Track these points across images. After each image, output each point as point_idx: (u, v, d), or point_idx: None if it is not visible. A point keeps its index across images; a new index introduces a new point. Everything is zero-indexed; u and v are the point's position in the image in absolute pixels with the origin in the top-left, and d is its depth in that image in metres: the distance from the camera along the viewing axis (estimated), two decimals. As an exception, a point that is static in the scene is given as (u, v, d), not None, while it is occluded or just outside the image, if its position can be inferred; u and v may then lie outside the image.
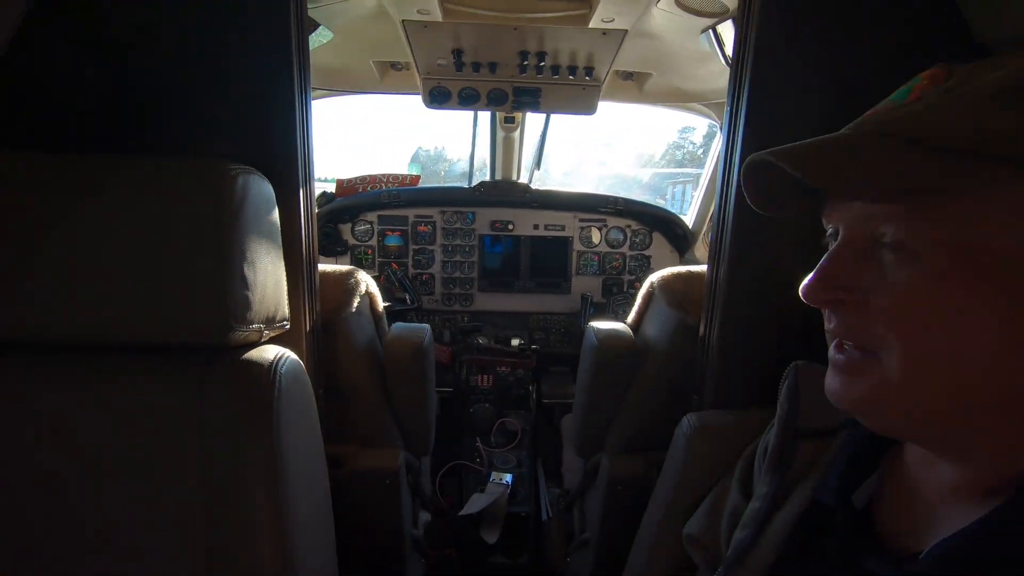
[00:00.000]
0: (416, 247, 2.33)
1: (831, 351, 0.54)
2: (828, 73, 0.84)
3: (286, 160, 0.85)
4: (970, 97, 0.45)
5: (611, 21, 1.41)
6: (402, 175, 2.38)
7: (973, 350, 0.45)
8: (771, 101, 0.85)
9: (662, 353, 1.15)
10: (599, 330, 1.24)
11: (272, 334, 0.81)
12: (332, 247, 2.28)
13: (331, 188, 2.37)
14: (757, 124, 0.86)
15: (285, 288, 0.83)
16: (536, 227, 2.32)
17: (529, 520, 1.92)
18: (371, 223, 2.30)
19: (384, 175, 2.36)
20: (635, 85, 1.89)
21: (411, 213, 2.31)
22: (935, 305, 0.45)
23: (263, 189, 0.75)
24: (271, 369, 0.72)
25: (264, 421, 0.69)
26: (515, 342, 2.27)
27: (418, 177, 2.39)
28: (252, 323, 0.72)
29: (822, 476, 0.66)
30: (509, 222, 2.31)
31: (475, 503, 1.82)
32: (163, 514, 0.72)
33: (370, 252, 2.32)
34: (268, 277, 0.75)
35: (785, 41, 0.84)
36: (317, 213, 2.19)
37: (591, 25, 1.43)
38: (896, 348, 0.47)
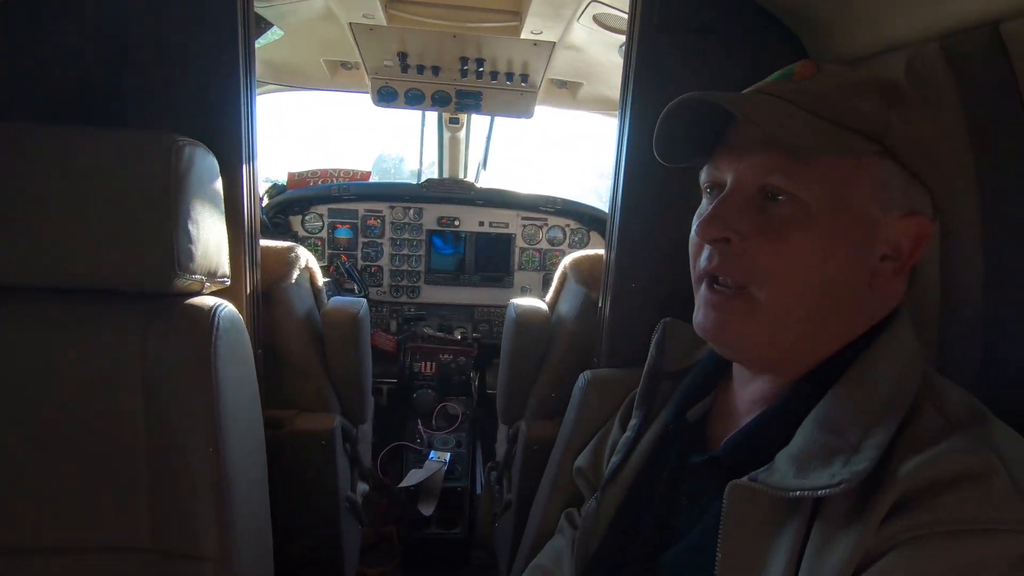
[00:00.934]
0: (365, 240, 2.42)
1: (703, 291, 0.63)
2: (694, 87, 1.01)
3: (231, 138, 0.96)
4: (846, 84, 0.58)
5: (540, 33, 1.57)
6: (353, 170, 2.47)
7: (831, 288, 0.58)
8: (649, 113, 1.02)
9: (572, 325, 1.30)
10: (518, 306, 1.38)
11: (213, 287, 0.92)
12: (282, 238, 2.35)
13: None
14: (638, 131, 1.02)
15: (227, 248, 0.93)
16: (481, 224, 2.45)
17: (465, 494, 2.04)
18: (322, 216, 2.39)
19: (335, 170, 2.45)
20: (569, 93, 2.07)
21: (361, 207, 2.40)
22: (811, 247, 0.56)
23: (208, 161, 0.87)
24: (211, 313, 0.82)
25: (203, 357, 0.80)
26: (458, 335, 2.41)
27: (369, 173, 2.49)
28: (195, 273, 0.83)
29: (672, 404, 0.81)
30: (455, 218, 2.43)
31: (412, 477, 1.92)
32: (111, 447, 0.81)
33: (320, 244, 2.41)
34: (210, 235, 0.86)
35: (660, 62, 1.01)
36: (268, 204, 2.27)
37: (522, 36, 1.59)
38: (771, 282, 0.57)
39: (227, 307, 0.86)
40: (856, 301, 0.59)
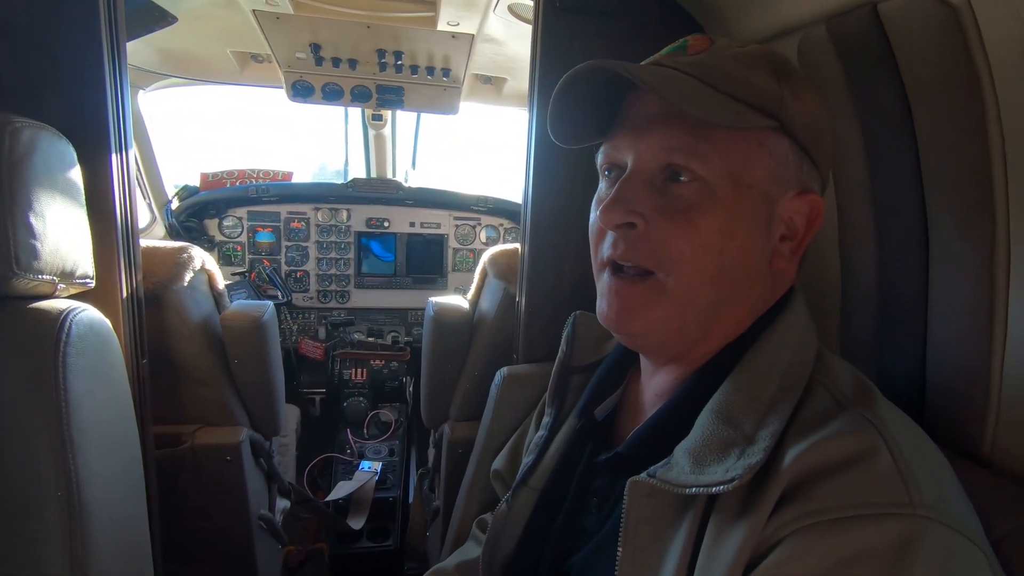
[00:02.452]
0: (289, 244, 2.31)
1: (606, 278, 0.60)
2: None
3: (94, 125, 0.86)
4: (741, 57, 0.55)
5: (456, 25, 1.53)
6: (274, 170, 2.35)
7: (735, 271, 0.55)
8: None
9: (492, 322, 1.26)
10: (436, 303, 1.33)
11: (72, 290, 0.81)
12: (196, 243, 2.20)
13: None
14: (545, 117, 0.99)
15: (89, 247, 0.83)
16: (412, 224, 2.38)
17: (397, 504, 1.96)
18: (240, 219, 2.25)
19: (254, 170, 2.33)
20: (494, 89, 2.03)
21: (283, 209, 2.29)
22: (716, 229, 0.54)
23: (57, 146, 0.76)
24: (60, 318, 0.72)
25: (47, 368, 0.69)
26: (390, 339, 2.33)
27: (290, 173, 2.38)
28: (41, 273, 0.73)
29: (580, 402, 0.78)
30: (385, 219, 2.35)
31: (340, 490, 1.83)
32: None
33: (240, 249, 2.27)
34: (63, 231, 0.76)
35: (565, 44, 0.99)
36: (178, 207, 2.13)
37: (439, 28, 1.54)
38: (678, 267, 0.55)
39: (84, 311, 0.76)
40: (757, 284, 0.58)
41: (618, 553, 0.54)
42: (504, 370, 1.05)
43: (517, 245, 1.29)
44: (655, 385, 0.66)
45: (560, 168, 1.02)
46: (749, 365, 0.56)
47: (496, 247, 1.30)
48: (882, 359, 0.79)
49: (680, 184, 0.55)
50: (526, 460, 0.81)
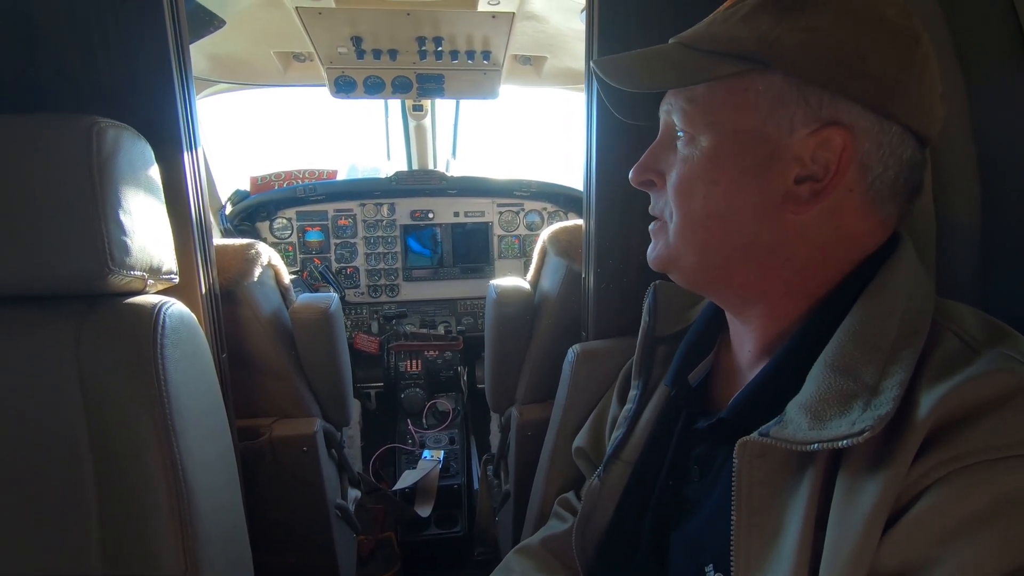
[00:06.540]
0: (338, 241, 2.34)
1: (651, 226, 0.67)
2: (660, 33, 0.96)
3: (167, 124, 0.88)
4: (736, 14, 0.55)
5: (497, 4, 1.50)
6: (319, 170, 2.39)
7: (730, 215, 0.56)
8: None
9: (556, 301, 1.24)
10: (499, 286, 1.32)
11: (160, 286, 0.83)
12: None
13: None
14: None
15: (171, 243, 0.85)
16: (456, 214, 2.39)
17: (462, 490, 1.98)
18: (289, 219, 2.30)
19: (300, 170, 2.37)
20: (533, 69, 2.00)
21: (330, 208, 2.32)
22: (699, 177, 0.57)
23: (138, 146, 0.78)
24: (154, 310, 0.74)
25: (148, 359, 0.71)
26: (442, 330, 2.34)
27: (335, 172, 2.41)
28: (133, 269, 0.75)
29: (671, 368, 0.76)
30: (429, 211, 2.36)
31: (407, 478, 1.86)
32: (50, 466, 0.72)
33: (291, 249, 2.32)
34: (149, 227, 0.78)
35: (624, 14, 0.95)
36: (231, 212, 2.18)
37: (480, 8, 1.52)
38: (675, 214, 0.59)
39: (175, 304, 0.78)
40: (766, 228, 0.55)
41: (732, 520, 0.52)
42: (577, 347, 1.03)
43: (577, 222, 1.27)
44: (748, 345, 0.64)
45: (623, 138, 0.98)
46: (861, 316, 0.52)
47: (556, 224, 1.28)
48: (989, 306, 0.74)
49: (679, 140, 0.59)
50: (616, 434, 0.79)
